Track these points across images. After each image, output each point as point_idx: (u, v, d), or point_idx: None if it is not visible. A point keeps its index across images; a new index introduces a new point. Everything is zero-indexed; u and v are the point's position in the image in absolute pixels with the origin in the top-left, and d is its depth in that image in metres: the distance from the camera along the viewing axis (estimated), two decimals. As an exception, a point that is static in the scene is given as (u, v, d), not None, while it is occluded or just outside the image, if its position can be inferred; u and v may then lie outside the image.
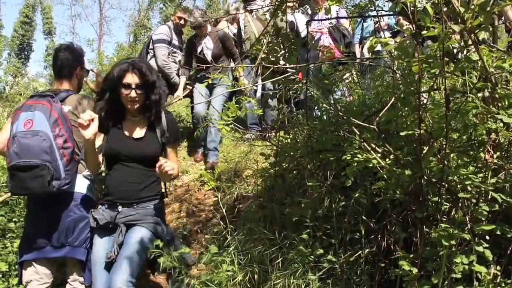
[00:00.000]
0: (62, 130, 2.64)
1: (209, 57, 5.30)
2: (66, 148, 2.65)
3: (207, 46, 5.37)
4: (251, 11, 5.69)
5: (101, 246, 2.65)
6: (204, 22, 5.24)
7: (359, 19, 5.76)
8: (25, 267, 2.78)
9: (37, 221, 2.74)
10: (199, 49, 5.39)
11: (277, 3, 2.87)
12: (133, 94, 2.59)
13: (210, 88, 5.32)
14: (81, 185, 2.83)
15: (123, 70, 2.57)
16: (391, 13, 2.98)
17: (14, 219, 4.05)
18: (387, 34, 5.20)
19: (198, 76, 5.50)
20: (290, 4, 3.48)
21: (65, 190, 2.69)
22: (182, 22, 5.73)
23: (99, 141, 2.68)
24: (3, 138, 2.77)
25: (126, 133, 2.72)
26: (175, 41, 5.63)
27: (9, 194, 3.68)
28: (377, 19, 5.05)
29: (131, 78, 2.58)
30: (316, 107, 3.53)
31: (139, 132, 2.73)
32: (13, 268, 3.80)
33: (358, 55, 5.68)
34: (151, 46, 5.52)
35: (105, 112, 2.65)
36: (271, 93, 5.09)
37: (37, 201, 2.76)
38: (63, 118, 2.68)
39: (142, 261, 2.56)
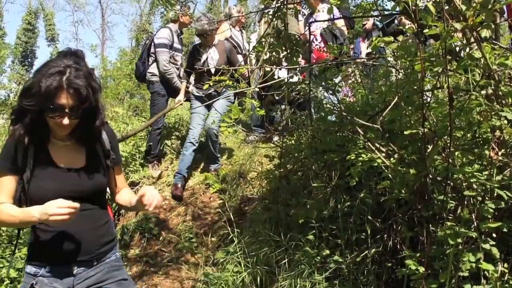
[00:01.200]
0: None
1: (212, 68, 4.92)
2: None
3: (212, 57, 5.02)
4: (263, 14, 5.67)
5: None
6: (211, 31, 4.89)
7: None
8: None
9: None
10: (202, 59, 5.01)
11: (277, 5, 2.88)
12: (65, 121, 1.74)
13: (209, 105, 4.90)
14: None
15: (55, 87, 1.68)
16: (394, 12, 2.99)
17: (21, 226, 4.07)
18: (376, 34, 5.20)
19: (197, 94, 5.10)
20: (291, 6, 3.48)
21: None
22: (187, 22, 5.70)
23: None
24: None
25: (60, 163, 1.87)
26: (177, 44, 5.62)
27: None
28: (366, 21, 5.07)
29: (65, 99, 1.71)
30: (319, 108, 3.53)
31: (78, 159, 1.92)
32: (22, 274, 3.82)
33: (363, 53, 5.66)
34: (152, 50, 5.51)
35: (26, 141, 1.80)
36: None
37: None
38: None
39: None
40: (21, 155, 1.81)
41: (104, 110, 1.92)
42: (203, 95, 4.96)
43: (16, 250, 3.85)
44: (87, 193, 1.90)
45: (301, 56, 3.18)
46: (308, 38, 3.72)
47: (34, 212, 1.69)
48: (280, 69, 3.23)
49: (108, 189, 2.06)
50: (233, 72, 4.93)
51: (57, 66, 1.71)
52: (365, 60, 4.66)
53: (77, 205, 1.69)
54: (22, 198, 1.82)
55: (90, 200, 1.92)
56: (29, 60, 26.90)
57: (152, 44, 5.50)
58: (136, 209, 2.12)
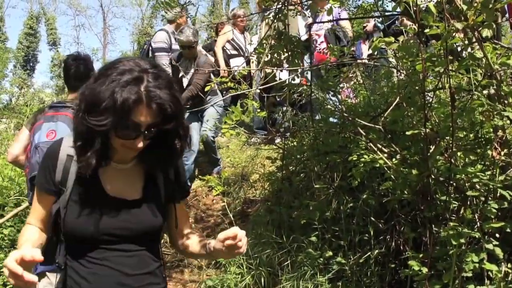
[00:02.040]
0: None
1: (185, 85, 4.73)
2: None
3: (188, 73, 4.78)
4: (264, 17, 5.67)
5: None
6: (195, 43, 4.71)
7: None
8: (39, 279, 2.78)
9: None
10: (181, 73, 4.74)
11: (278, 7, 2.89)
12: (139, 143, 1.32)
13: (201, 114, 4.83)
14: None
15: (133, 101, 1.24)
16: (394, 13, 2.99)
17: (23, 229, 4.08)
18: (378, 35, 5.19)
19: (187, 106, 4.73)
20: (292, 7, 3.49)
21: None
22: (183, 24, 5.69)
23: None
24: (17, 149, 2.76)
25: (111, 191, 1.42)
26: (174, 45, 5.58)
27: (19, 208, 3.72)
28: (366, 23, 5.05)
29: (143, 117, 1.27)
30: (321, 109, 3.53)
31: (135, 189, 1.45)
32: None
33: (365, 54, 5.64)
34: (150, 54, 5.48)
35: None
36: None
37: None
38: None
39: None
40: (60, 172, 1.41)
41: (188, 131, 1.43)
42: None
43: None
44: (137, 233, 1.42)
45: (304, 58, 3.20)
46: (309, 40, 3.74)
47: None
48: (281, 70, 3.23)
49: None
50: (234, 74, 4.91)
51: (131, 71, 1.26)
52: (367, 61, 4.66)
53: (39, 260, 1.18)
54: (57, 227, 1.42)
55: (142, 242, 1.44)
56: (31, 64, 26.96)
57: (150, 48, 5.47)
58: (214, 257, 1.62)
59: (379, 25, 5.24)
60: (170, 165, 1.48)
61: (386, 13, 3.50)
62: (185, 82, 4.77)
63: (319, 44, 5.04)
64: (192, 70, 4.75)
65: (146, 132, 1.29)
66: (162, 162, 1.44)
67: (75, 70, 2.77)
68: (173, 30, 5.55)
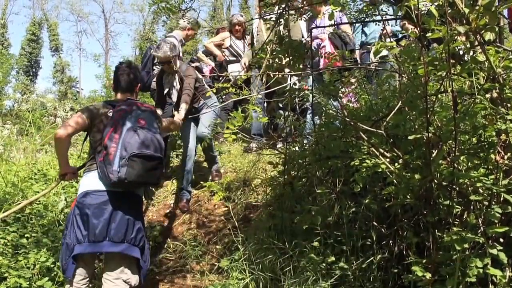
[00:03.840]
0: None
1: (174, 98, 4.69)
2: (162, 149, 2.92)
3: (174, 86, 4.70)
4: (265, 20, 5.66)
5: None
6: (174, 57, 4.54)
7: (357, 25, 5.68)
8: (78, 262, 2.84)
9: (99, 215, 2.79)
10: (166, 89, 4.74)
11: (279, 11, 2.89)
12: None
13: (196, 120, 4.78)
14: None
15: None
16: (396, 17, 2.98)
17: (26, 235, 4.07)
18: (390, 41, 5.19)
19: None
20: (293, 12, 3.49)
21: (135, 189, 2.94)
22: (192, 34, 5.72)
23: None
24: (72, 128, 2.93)
25: None
26: (181, 53, 5.62)
27: (18, 207, 3.70)
28: (382, 26, 5.02)
29: None
30: (323, 114, 3.53)
31: None
32: (26, 283, 3.82)
33: (358, 60, 5.61)
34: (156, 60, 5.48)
35: None
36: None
37: (100, 197, 2.83)
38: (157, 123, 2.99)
39: None
40: None
41: None
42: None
43: (23, 259, 3.90)
44: None
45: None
46: (310, 44, 3.72)
47: None
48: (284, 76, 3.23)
49: None
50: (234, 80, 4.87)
51: None
52: (370, 65, 4.65)
53: None
54: None
55: None
56: (34, 70, 27.11)
57: None
58: None
59: (397, 32, 5.23)
60: None
61: (388, 17, 3.50)
62: (174, 95, 4.69)
63: (321, 48, 5.02)
64: (177, 83, 4.64)
65: None
66: None
67: (127, 75, 3.20)
68: (182, 38, 5.57)
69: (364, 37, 5.64)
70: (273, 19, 3.16)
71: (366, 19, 3.49)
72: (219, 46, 6.42)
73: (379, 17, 3.18)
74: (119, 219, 2.79)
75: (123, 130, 2.81)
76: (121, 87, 3.19)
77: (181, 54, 5.59)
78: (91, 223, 2.77)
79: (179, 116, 4.32)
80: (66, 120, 3.24)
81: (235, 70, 6.01)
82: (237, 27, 6.26)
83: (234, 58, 6.27)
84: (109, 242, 2.76)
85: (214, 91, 3.43)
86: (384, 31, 5.23)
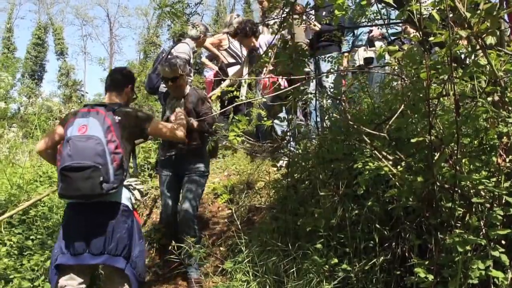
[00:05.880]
0: (114, 136, 2.78)
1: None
2: (117, 153, 2.77)
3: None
4: (267, 25, 5.68)
5: None
6: (181, 75, 3.82)
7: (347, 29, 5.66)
8: (61, 272, 2.82)
9: (79, 227, 2.78)
10: (167, 115, 3.92)
11: (283, 16, 2.92)
12: None
13: (181, 174, 3.92)
14: (121, 195, 2.93)
15: None
16: (398, 21, 3.01)
17: (31, 237, 4.11)
18: (381, 44, 5.19)
19: (164, 158, 3.98)
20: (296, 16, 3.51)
21: (109, 198, 2.81)
22: (204, 41, 5.73)
23: None
24: (42, 143, 3.00)
25: None
26: (192, 60, 5.62)
27: (19, 208, 3.75)
28: (370, 29, 5.04)
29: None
30: (326, 117, 3.55)
31: None
32: (31, 285, 3.85)
33: (345, 63, 5.55)
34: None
35: None
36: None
37: (81, 207, 2.82)
38: (115, 126, 2.83)
39: None
40: None
41: None
42: (170, 155, 3.90)
43: (26, 260, 3.93)
44: None
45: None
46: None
47: None
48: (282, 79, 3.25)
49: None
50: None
51: None
52: (372, 68, 4.67)
53: None
54: None
55: None
56: (39, 73, 27.24)
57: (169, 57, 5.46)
58: None
59: (387, 35, 5.24)
60: None
61: (390, 21, 3.53)
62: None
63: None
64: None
65: None
66: None
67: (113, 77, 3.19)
68: (193, 46, 5.59)
69: (353, 38, 5.62)
70: (277, 23, 3.19)
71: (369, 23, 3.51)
72: (217, 46, 6.38)
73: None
74: (96, 231, 2.76)
75: (64, 141, 2.78)
76: (106, 86, 3.19)
77: (192, 61, 5.58)
78: (72, 235, 2.78)
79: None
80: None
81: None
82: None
83: (233, 61, 6.24)
84: (89, 254, 2.74)
85: (219, 94, 3.46)
86: (372, 34, 5.25)
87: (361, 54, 5.21)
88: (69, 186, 2.68)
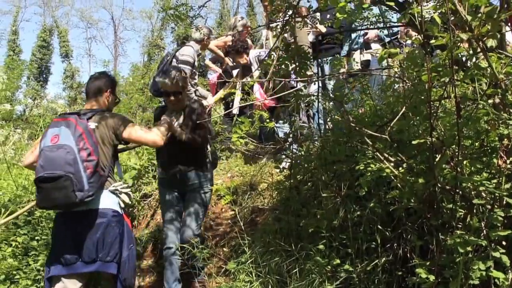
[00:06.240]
0: (87, 144, 2.75)
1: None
2: (90, 161, 2.74)
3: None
4: (271, 28, 5.71)
5: None
6: (183, 89, 3.53)
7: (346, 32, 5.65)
8: (53, 283, 2.83)
9: (66, 237, 2.81)
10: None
11: (285, 18, 2.95)
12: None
13: (183, 192, 3.68)
14: (108, 201, 2.91)
15: None
16: (400, 24, 3.03)
17: (36, 238, 4.15)
18: (377, 46, 5.20)
19: (163, 177, 3.73)
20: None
21: (91, 206, 2.80)
22: (208, 43, 5.75)
23: None
24: (28, 156, 3.04)
25: None
26: (196, 63, 5.64)
27: (22, 210, 3.79)
28: (366, 31, 5.04)
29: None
30: (328, 119, 3.57)
31: None
32: (36, 286, 3.88)
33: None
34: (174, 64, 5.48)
35: None
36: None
37: (65, 217, 2.85)
38: (88, 133, 2.80)
39: None
40: None
41: None
42: (173, 174, 3.62)
43: (32, 261, 3.97)
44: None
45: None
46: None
47: None
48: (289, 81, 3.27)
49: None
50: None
51: None
52: (375, 71, 4.68)
53: None
54: None
55: None
56: (44, 76, 27.34)
57: (174, 60, 5.50)
58: None
59: (383, 36, 5.25)
60: None
61: (392, 24, 3.55)
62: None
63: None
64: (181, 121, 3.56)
65: None
66: None
67: (91, 83, 3.14)
68: (198, 49, 5.62)
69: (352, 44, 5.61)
70: (280, 26, 3.22)
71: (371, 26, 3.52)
72: (222, 48, 6.40)
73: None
74: (87, 239, 2.77)
75: (39, 152, 2.79)
76: (85, 95, 3.20)
77: (196, 64, 5.59)
78: (61, 246, 2.81)
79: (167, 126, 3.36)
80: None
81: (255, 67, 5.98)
82: (244, 31, 6.24)
83: None
84: (81, 263, 2.77)
85: (222, 96, 3.48)
86: (367, 37, 5.26)
87: (358, 58, 5.21)
88: (44, 197, 2.70)
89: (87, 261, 2.77)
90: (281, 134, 4.83)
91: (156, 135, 3.13)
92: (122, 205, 3.00)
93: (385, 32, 5.08)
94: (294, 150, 3.54)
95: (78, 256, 2.76)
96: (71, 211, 2.78)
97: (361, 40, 5.33)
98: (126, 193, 3.01)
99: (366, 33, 5.17)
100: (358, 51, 5.27)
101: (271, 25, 5.19)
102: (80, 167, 2.68)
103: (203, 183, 3.65)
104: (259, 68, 5.07)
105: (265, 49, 5.79)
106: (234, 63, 6.15)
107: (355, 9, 2.60)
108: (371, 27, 3.51)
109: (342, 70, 3.49)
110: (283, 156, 3.81)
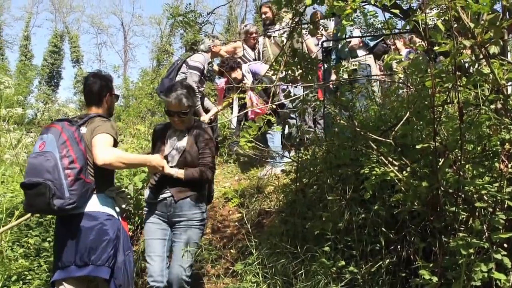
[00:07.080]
0: (70, 151, 2.71)
1: (173, 163, 3.18)
2: (72, 168, 2.69)
3: (178, 148, 3.23)
4: (269, 36, 5.78)
5: None
6: (189, 108, 3.16)
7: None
8: (56, 287, 2.86)
9: (62, 241, 2.83)
10: (167, 149, 3.23)
11: (292, 25, 3.01)
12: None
13: (172, 222, 3.20)
14: (103, 204, 2.88)
15: None
16: (404, 31, 3.08)
17: (48, 239, 4.22)
18: (363, 52, 5.18)
19: (153, 202, 3.24)
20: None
21: (83, 209, 2.79)
22: (218, 51, 5.81)
23: None
24: None
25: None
26: (205, 71, 5.68)
27: (24, 218, 3.87)
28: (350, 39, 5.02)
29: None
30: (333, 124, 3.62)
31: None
32: (48, 286, 3.95)
33: (333, 76, 5.45)
34: (183, 70, 5.53)
35: None
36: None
37: (62, 220, 2.87)
38: (73, 140, 2.75)
39: None
40: None
41: None
42: (163, 198, 3.18)
43: (43, 262, 4.04)
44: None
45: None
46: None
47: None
48: (295, 87, 3.32)
49: None
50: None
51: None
52: (380, 77, 4.73)
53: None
54: None
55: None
56: (55, 80, 27.66)
57: (184, 65, 5.56)
58: None
59: (368, 41, 5.21)
60: None
61: (396, 31, 3.59)
62: (174, 159, 3.20)
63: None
64: (180, 144, 3.22)
65: None
66: None
67: (89, 87, 3.04)
68: (209, 58, 5.68)
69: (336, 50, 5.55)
70: (286, 32, 3.28)
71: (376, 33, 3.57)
72: (232, 54, 6.46)
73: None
74: (80, 242, 2.75)
75: None
76: (85, 100, 3.08)
77: (205, 72, 5.67)
78: (58, 250, 2.84)
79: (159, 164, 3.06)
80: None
81: (249, 79, 6.08)
82: (253, 35, 6.29)
83: None
84: (75, 267, 2.75)
85: (230, 100, 3.54)
86: (351, 45, 5.23)
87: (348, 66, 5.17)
88: (28, 202, 2.73)
89: (79, 265, 2.75)
90: (269, 143, 4.90)
91: (109, 154, 2.76)
92: (118, 210, 2.97)
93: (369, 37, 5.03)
94: (292, 154, 3.57)
95: (72, 259, 2.76)
96: (69, 214, 2.76)
97: (347, 48, 5.29)
98: (122, 198, 2.99)
99: (350, 41, 5.13)
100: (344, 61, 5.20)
101: (275, 32, 5.27)
102: (61, 175, 2.64)
103: (196, 214, 3.17)
104: (256, 78, 5.19)
105: (261, 62, 5.86)
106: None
107: (364, 17, 2.65)
108: (377, 34, 3.55)
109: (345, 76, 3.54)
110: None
